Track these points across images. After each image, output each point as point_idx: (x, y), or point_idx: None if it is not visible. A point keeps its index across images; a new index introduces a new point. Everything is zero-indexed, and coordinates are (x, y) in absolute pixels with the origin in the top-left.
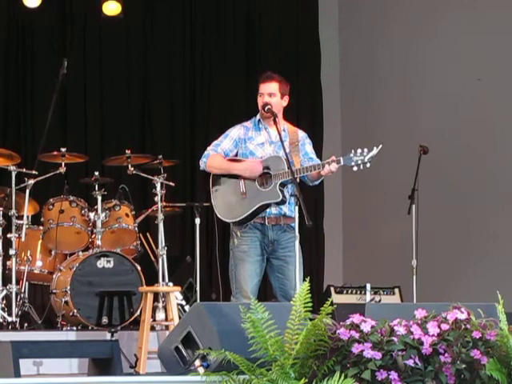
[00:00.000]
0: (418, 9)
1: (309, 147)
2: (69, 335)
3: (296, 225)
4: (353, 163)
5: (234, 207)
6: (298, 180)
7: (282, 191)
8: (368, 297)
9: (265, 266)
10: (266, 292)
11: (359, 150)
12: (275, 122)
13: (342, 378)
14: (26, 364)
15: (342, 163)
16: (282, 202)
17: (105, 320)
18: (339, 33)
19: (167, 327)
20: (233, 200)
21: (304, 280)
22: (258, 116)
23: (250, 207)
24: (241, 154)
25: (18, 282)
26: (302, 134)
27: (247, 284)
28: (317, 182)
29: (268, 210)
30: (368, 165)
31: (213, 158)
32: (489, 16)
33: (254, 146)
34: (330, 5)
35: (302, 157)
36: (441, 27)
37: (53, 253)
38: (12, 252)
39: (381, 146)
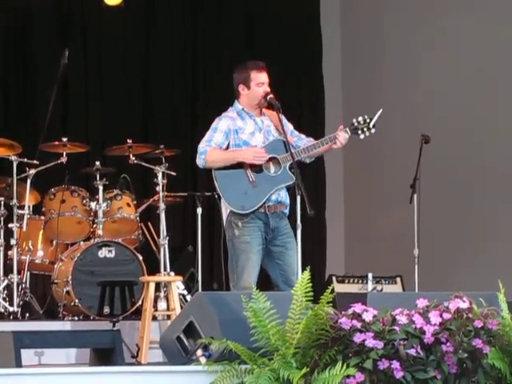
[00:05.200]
0: None
1: (290, 125)
2: (70, 325)
3: (298, 215)
4: (359, 131)
5: (247, 197)
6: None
7: (293, 173)
8: (370, 286)
9: (262, 256)
10: (266, 282)
11: (361, 118)
12: (277, 110)
13: (344, 367)
14: (27, 354)
15: (349, 133)
16: (295, 184)
17: (106, 310)
18: (341, 22)
19: (169, 317)
20: (244, 190)
21: (304, 269)
22: (240, 105)
23: (266, 194)
24: (233, 145)
25: (19, 272)
26: (280, 116)
27: (250, 275)
28: (313, 158)
29: (269, 198)
30: (373, 130)
31: (212, 153)
32: (491, 7)
33: (247, 136)
34: None
35: (290, 136)
36: (444, 15)
37: (54, 243)
38: (13, 242)
39: (381, 110)
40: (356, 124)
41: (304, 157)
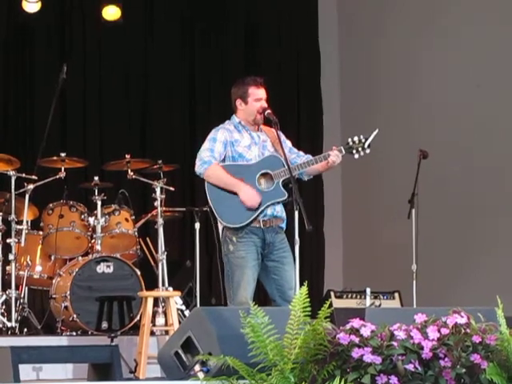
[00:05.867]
0: (420, 11)
1: (289, 142)
2: (68, 340)
3: (296, 230)
4: (354, 151)
5: (239, 211)
6: (295, 177)
7: (286, 189)
8: (368, 301)
9: (259, 271)
10: (264, 297)
11: (356, 138)
12: (275, 126)
13: (342, 382)
14: (25, 369)
15: (343, 152)
16: (288, 200)
17: (104, 325)
18: (339, 39)
19: (167, 332)
20: (236, 205)
21: (302, 284)
22: (237, 118)
23: (257, 209)
24: (230, 157)
25: (17, 287)
26: (278, 132)
27: (246, 290)
28: (311, 176)
29: (264, 212)
30: (368, 151)
31: (214, 169)
32: (488, 22)
33: (243, 149)
34: (330, 10)
35: (288, 153)
36: (440, 33)
37: (52, 258)
38: (11, 257)
39: (377, 131)
40: (351, 143)
41: (298, 174)
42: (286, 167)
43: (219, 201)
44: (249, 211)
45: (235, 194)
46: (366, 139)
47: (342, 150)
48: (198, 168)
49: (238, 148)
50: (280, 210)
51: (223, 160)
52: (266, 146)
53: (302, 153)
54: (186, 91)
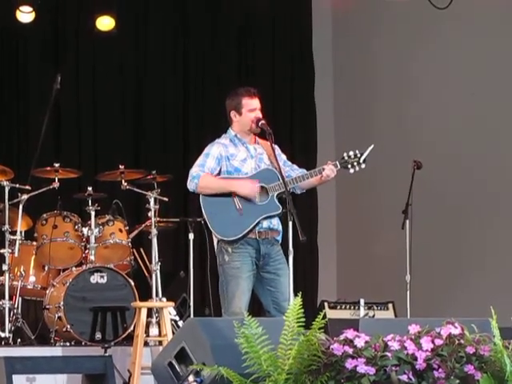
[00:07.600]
0: (412, 23)
1: (283, 156)
2: (62, 351)
3: (290, 240)
4: (349, 166)
5: (233, 224)
6: (290, 190)
7: (280, 203)
8: (362, 312)
9: (254, 282)
10: (259, 308)
11: (352, 153)
12: (269, 137)
13: None
14: (19, 380)
15: (338, 167)
16: (282, 214)
17: (98, 335)
18: (333, 48)
19: (161, 343)
20: (230, 218)
21: (296, 295)
22: (233, 131)
23: (250, 222)
24: (225, 172)
25: (11, 298)
26: (273, 145)
27: (241, 300)
28: (304, 190)
29: (260, 225)
30: (363, 165)
31: (205, 178)
32: (483, 30)
33: (239, 163)
34: (324, 21)
35: (282, 166)
36: (435, 42)
37: (46, 268)
38: (5, 267)
39: (372, 146)
40: (346, 158)
41: (292, 187)
42: (281, 181)
43: (214, 214)
44: (243, 224)
45: (232, 195)
46: (362, 154)
47: (337, 165)
48: (189, 185)
49: (234, 162)
50: (276, 223)
51: (218, 174)
52: (263, 159)
53: (295, 166)
54: (180, 101)
